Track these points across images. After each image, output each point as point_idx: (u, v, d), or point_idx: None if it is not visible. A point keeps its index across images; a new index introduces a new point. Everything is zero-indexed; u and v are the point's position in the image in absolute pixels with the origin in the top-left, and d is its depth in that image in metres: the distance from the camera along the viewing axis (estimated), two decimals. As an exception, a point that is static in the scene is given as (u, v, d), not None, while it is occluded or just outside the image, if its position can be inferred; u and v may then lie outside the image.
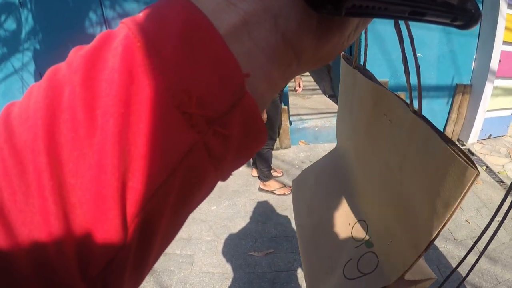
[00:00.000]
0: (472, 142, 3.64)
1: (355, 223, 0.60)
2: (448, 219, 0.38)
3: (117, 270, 0.19)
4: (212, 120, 0.19)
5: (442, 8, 0.21)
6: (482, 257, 2.16)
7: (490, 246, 2.27)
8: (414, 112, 0.42)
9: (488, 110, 3.49)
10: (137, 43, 0.18)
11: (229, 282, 2.22)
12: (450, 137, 3.74)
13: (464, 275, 2.00)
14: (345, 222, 0.62)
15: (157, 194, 0.19)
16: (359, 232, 0.58)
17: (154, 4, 0.20)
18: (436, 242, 2.37)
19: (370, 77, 0.53)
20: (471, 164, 0.34)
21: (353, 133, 0.63)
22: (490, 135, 3.71)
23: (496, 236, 2.12)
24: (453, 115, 3.59)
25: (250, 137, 0.22)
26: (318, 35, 0.23)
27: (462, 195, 0.35)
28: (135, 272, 0.21)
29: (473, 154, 3.46)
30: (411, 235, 0.45)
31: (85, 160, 0.18)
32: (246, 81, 0.20)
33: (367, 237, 0.56)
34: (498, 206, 0.57)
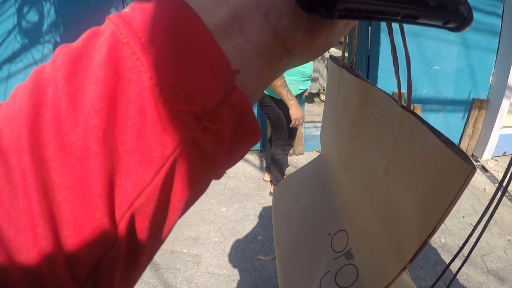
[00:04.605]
0: (486, 158, 3.60)
1: (335, 233, 0.58)
2: (439, 223, 0.34)
3: (108, 270, 0.19)
4: (201, 116, 0.19)
5: (435, 11, 0.21)
6: (490, 276, 2.14)
7: (499, 265, 2.25)
8: (403, 107, 0.40)
9: (504, 127, 3.45)
10: (123, 39, 0.18)
11: (234, 285, 2.23)
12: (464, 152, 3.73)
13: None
14: (324, 232, 0.60)
15: (146, 191, 0.19)
16: (339, 243, 0.56)
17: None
18: (446, 259, 2.35)
19: (357, 75, 0.52)
20: (465, 159, 0.31)
21: (337, 136, 0.61)
22: (505, 152, 3.66)
23: (505, 255, 2.09)
24: (469, 130, 3.55)
25: (242, 133, 0.22)
26: (309, 30, 0.23)
27: (455, 195, 0.32)
28: (126, 271, 0.21)
29: (486, 170, 3.42)
30: (395, 245, 0.42)
31: (70, 158, 0.17)
32: (236, 77, 0.20)
33: (347, 248, 0.54)
34: (488, 204, 0.56)
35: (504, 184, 0.54)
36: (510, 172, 0.54)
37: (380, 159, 0.45)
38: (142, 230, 0.20)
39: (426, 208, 0.36)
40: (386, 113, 0.44)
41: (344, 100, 0.57)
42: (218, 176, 0.23)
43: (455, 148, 0.32)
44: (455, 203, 0.33)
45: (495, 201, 0.53)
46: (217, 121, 0.20)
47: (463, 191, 0.32)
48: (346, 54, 0.59)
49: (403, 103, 0.41)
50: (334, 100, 0.61)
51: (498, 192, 0.54)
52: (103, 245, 0.18)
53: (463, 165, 0.31)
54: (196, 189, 0.22)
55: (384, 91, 0.45)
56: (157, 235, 0.22)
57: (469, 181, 0.31)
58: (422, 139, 0.37)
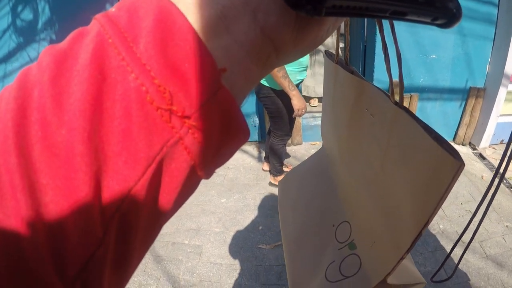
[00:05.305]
0: (484, 146, 3.62)
1: (339, 225, 0.59)
2: (432, 216, 0.36)
3: (96, 269, 0.19)
4: (187, 115, 0.19)
5: (424, 7, 0.21)
6: (489, 261, 2.16)
7: (497, 251, 2.26)
8: (396, 103, 0.41)
9: (501, 115, 3.46)
10: (109, 39, 0.18)
11: (236, 274, 2.24)
12: (462, 140, 3.69)
13: (469, 276, 1.99)
14: (329, 223, 0.61)
15: (133, 191, 0.19)
16: (343, 234, 0.57)
17: None
18: (445, 245, 2.37)
19: (352, 71, 0.53)
20: (455, 156, 0.32)
21: (336, 131, 0.62)
22: (502, 140, 3.68)
23: (504, 241, 2.10)
24: (466, 118, 3.57)
25: (230, 131, 0.22)
26: (297, 28, 0.23)
27: (445, 189, 0.33)
28: (116, 271, 0.21)
29: (484, 158, 3.44)
30: (393, 236, 0.43)
31: (56, 159, 0.17)
32: (222, 76, 0.20)
33: (351, 239, 0.55)
34: (485, 192, 0.57)
35: (501, 170, 0.55)
36: (506, 158, 0.56)
37: (377, 153, 0.46)
38: (131, 229, 0.20)
39: (419, 201, 0.38)
40: (380, 109, 0.45)
41: (340, 95, 0.58)
42: (207, 175, 0.23)
43: (445, 144, 0.33)
44: (447, 196, 0.34)
45: (493, 188, 0.54)
46: (203, 120, 0.20)
47: (454, 185, 0.33)
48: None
49: (395, 98, 0.41)
50: (331, 95, 0.62)
51: (495, 178, 0.56)
52: (90, 245, 0.18)
53: (453, 161, 0.32)
54: (184, 188, 0.22)
55: (378, 87, 0.46)
56: (147, 234, 0.22)
57: (459, 176, 0.32)
58: (413, 136, 0.38)
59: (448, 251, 2.24)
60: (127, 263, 0.21)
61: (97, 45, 0.18)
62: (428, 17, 0.22)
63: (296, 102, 2.42)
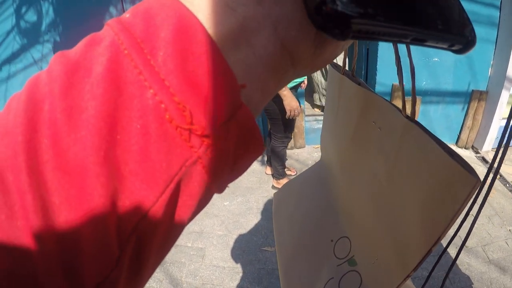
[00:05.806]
0: (487, 150, 3.61)
1: (337, 240, 0.57)
2: (443, 234, 0.34)
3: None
4: (207, 134, 0.18)
5: (443, 34, 0.21)
6: (492, 266, 2.15)
7: (500, 255, 2.25)
8: (407, 117, 0.40)
9: (503, 118, 3.46)
10: (124, 50, 0.17)
11: (238, 277, 2.25)
12: (464, 144, 3.67)
13: (472, 280, 1.98)
14: (327, 238, 0.59)
15: (151, 212, 0.18)
16: (342, 250, 0.55)
17: (143, 4, 0.19)
18: (448, 248, 2.37)
19: (359, 83, 0.51)
20: (471, 172, 0.31)
21: (338, 143, 0.61)
22: (505, 143, 3.67)
23: (506, 245, 2.09)
24: (468, 122, 3.57)
25: (247, 148, 0.21)
26: (316, 44, 0.22)
27: (460, 206, 0.32)
28: (130, 286, 0.20)
29: (487, 162, 3.43)
30: (399, 253, 0.42)
31: (69, 179, 0.16)
32: (241, 92, 0.19)
33: (350, 255, 0.53)
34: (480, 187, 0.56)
35: (495, 165, 0.55)
36: (499, 155, 0.55)
37: (383, 166, 0.45)
38: (146, 247, 0.19)
39: (431, 218, 0.36)
40: (389, 122, 0.44)
41: (345, 108, 0.57)
42: (221, 190, 0.22)
43: (460, 159, 0.32)
44: (460, 213, 0.32)
45: (487, 184, 0.54)
46: (223, 139, 0.19)
47: (468, 202, 0.32)
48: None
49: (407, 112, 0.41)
50: (336, 107, 0.61)
51: (489, 173, 0.55)
52: (106, 266, 0.18)
53: (469, 177, 0.31)
54: (199, 205, 0.21)
55: (387, 100, 0.45)
56: (161, 249, 0.21)
57: (474, 193, 0.31)
58: (426, 150, 0.36)
59: (450, 254, 2.24)
60: (140, 279, 0.21)
61: (112, 57, 0.17)
62: (446, 43, 0.22)
63: (288, 103, 2.42)
